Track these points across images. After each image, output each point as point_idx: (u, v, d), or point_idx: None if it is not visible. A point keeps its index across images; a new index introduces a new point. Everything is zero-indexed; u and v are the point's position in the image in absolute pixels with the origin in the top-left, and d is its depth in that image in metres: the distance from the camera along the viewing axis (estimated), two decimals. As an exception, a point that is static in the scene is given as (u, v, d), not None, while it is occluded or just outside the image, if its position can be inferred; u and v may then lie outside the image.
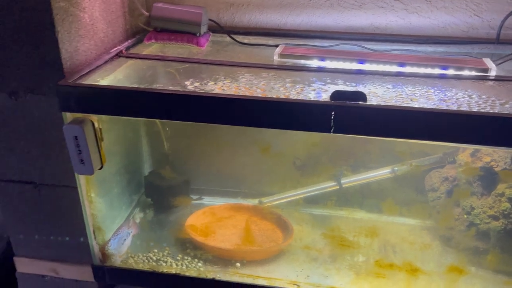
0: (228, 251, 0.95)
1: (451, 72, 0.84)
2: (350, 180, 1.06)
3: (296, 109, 0.67)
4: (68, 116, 0.76)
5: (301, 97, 0.73)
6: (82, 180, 0.83)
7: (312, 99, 0.71)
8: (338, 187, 1.07)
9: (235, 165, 1.13)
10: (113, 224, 0.96)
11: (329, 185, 1.08)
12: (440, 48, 1.01)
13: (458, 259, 0.92)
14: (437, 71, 0.85)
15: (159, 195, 1.07)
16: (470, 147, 0.89)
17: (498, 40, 1.01)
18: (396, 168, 1.02)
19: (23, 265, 0.98)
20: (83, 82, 0.74)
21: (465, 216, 0.92)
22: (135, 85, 0.76)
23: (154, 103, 0.70)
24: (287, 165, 1.09)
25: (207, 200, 1.13)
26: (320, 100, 0.70)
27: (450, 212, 0.95)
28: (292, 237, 0.99)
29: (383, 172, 1.03)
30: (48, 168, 0.86)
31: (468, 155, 0.91)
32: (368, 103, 0.66)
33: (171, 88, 0.74)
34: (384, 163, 1.03)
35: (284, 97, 0.72)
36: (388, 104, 0.68)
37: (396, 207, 1.02)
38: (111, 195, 0.96)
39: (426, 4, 1.02)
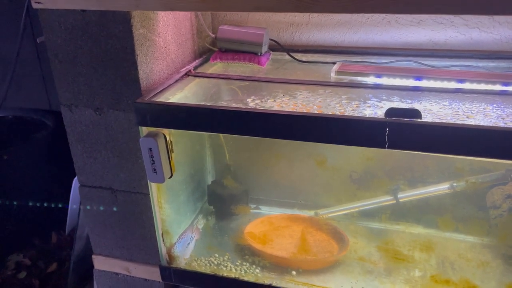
0: (284, 259, 0.99)
1: (512, 88, 0.83)
2: (407, 195, 1.06)
3: (351, 125, 0.71)
4: (144, 130, 0.85)
5: (356, 113, 0.76)
6: (153, 187, 0.91)
7: (367, 115, 0.74)
8: (394, 201, 1.07)
9: (292, 177, 1.17)
10: (179, 229, 1.04)
11: (385, 199, 1.08)
12: (502, 64, 0.99)
13: (521, 279, 0.90)
14: (497, 87, 0.84)
15: (220, 203, 1.14)
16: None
17: None
18: (455, 184, 1.01)
19: (100, 263, 1.09)
20: (157, 100, 0.83)
21: (529, 236, 0.89)
22: (201, 102, 0.84)
23: (218, 119, 0.77)
24: (344, 178, 1.12)
25: (264, 209, 1.18)
26: (375, 116, 0.73)
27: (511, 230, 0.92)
28: (348, 249, 1.01)
29: (442, 188, 1.02)
30: (124, 176, 0.96)
31: (532, 173, 0.89)
32: (422, 120, 0.68)
33: (234, 105, 0.81)
34: (443, 178, 1.02)
35: (339, 113, 0.76)
36: (442, 121, 0.69)
37: (454, 223, 1.01)
38: (177, 202, 1.04)
39: (487, 19, 1.02)
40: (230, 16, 1.20)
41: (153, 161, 0.83)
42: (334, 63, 1.03)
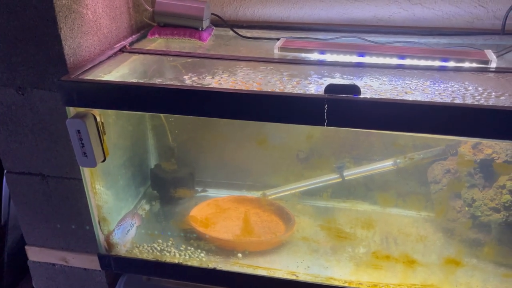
0: (229, 242, 0.97)
1: (451, 64, 0.83)
2: (353, 173, 1.06)
3: (289, 102, 0.68)
4: (71, 110, 0.78)
5: (296, 90, 0.73)
6: (86, 172, 0.85)
7: (306, 92, 0.72)
8: (341, 179, 1.07)
9: (239, 158, 1.14)
10: (119, 215, 0.99)
11: (332, 178, 1.08)
12: (443, 40, 1.00)
13: (459, 251, 0.92)
14: (437, 63, 0.84)
15: (164, 187, 1.09)
16: (461, 139, 0.88)
17: (503, 31, 0.99)
18: (398, 161, 1.02)
19: (34, 254, 1.03)
20: (85, 78, 0.77)
21: (467, 209, 0.91)
22: (135, 80, 0.79)
23: (151, 97, 0.72)
24: (291, 157, 1.10)
25: (212, 192, 1.15)
26: (314, 93, 0.70)
27: (452, 204, 0.94)
28: (294, 229, 1.00)
29: (386, 165, 1.03)
30: (54, 160, 0.89)
31: (470, 147, 0.91)
32: (361, 96, 0.67)
33: (168, 82, 0.76)
34: (387, 155, 1.03)
35: (279, 90, 0.73)
36: (380, 97, 0.68)
37: (398, 199, 1.03)
38: (116, 187, 0.99)
39: (430, -6, 1.01)
40: (171, -11, 1.13)
41: (83, 144, 0.77)
42: (278, 39, 0.99)
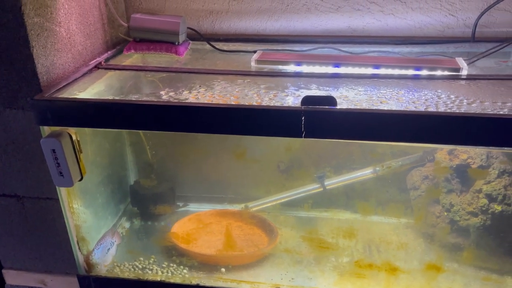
0: (211, 257, 0.96)
1: (424, 72, 0.85)
2: (333, 182, 1.06)
3: (267, 115, 0.68)
4: (46, 129, 0.77)
5: (273, 103, 0.74)
6: (63, 192, 0.83)
7: (284, 105, 0.72)
8: (322, 189, 1.08)
9: (220, 171, 1.13)
10: (98, 235, 0.97)
11: (313, 187, 1.08)
12: (416, 49, 1.02)
13: (440, 256, 0.93)
14: (410, 72, 0.86)
15: (144, 203, 1.08)
16: (434, 146, 0.90)
17: (473, 38, 1.02)
18: (377, 168, 1.03)
19: (11, 278, 1.00)
20: (59, 96, 0.75)
21: (445, 214, 0.93)
22: (111, 97, 0.78)
23: (127, 114, 0.71)
24: (272, 169, 1.10)
25: (193, 206, 1.14)
26: (291, 105, 0.71)
27: (431, 210, 0.96)
28: (277, 241, 1.00)
29: (365, 173, 1.04)
30: (30, 181, 0.87)
31: (446, 153, 0.92)
32: (337, 107, 0.67)
33: (145, 98, 0.75)
34: (366, 163, 1.04)
35: (256, 103, 0.73)
36: (356, 107, 0.69)
37: (379, 207, 1.03)
38: (95, 206, 0.97)
39: (401, 5, 1.04)
40: (146, 4, 1.12)
41: (58, 163, 0.75)
42: (255, 51, 1.00)
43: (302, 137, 0.68)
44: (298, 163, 1.09)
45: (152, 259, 0.97)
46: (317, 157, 1.08)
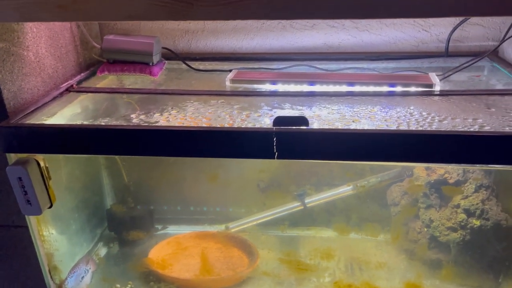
0: (189, 282, 0.94)
1: (398, 89, 0.85)
2: (313, 200, 1.05)
3: (238, 137, 0.67)
4: (13, 156, 0.75)
5: (245, 124, 0.72)
6: (32, 220, 0.81)
7: (256, 126, 0.71)
8: (302, 207, 1.06)
9: (199, 192, 1.12)
10: (72, 262, 0.94)
11: (294, 206, 1.07)
12: (391, 64, 1.02)
13: (421, 273, 0.92)
14: (384, 88, 0.86)
15: (122, 228, 1.05)
16: (404, 165, 0.90)
17: (447, 53, 1.03)
18: (358, 185, 1.02)
19: (-18, 310, 0.96)
20: (26, 122, 0.73)
21: (425, 229, 0.92)
22: (80, 121, 0.76)
23: (95, 140, 0.69)
24: (252, 188, 1.09)
25: (172, 229, 1.11)
26: (262, 127, 0.70)
27: (412, 225, 0.95)
28: (257, 263, 0.98)
29: (345, 190, 1.03)
30: (-1, 209, 0.84)
31: (423, 169, 0.92)
32: (309, 127, 0.66)
33: (113, 123, 0.73)
34: (345, 180, 1.03)
35: (228, 125, 0.72)
36: (328, 127, 0.68)
37: (360, 224, 1.02)
38: (69, 232, 0.94)
39: (375, 21, 1.04)
40: (121, 25, 1.12)
41: (25, 191, 0.73)
42: (230, 70, 0.99)
43: (274, 159, 0.67)
44: (278, 181, 1.07)
45: (129, 286, 0.94)
46: (297, 175, 1.07)
